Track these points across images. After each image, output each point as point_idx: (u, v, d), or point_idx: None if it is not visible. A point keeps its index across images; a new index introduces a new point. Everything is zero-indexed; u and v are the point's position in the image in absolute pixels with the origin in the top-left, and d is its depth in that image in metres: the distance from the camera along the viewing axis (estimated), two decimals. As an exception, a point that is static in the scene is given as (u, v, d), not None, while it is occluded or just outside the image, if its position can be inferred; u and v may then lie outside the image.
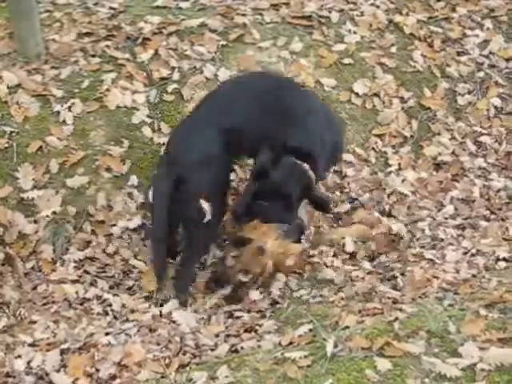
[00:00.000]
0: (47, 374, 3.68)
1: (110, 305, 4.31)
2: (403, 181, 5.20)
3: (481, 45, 6.01)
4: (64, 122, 5.02)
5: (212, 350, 3.81)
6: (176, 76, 5.32)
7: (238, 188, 5.02)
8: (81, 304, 4.34)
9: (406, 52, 5.86)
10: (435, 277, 4.16)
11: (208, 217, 4.34)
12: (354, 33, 5.79)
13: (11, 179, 4.79)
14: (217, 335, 3.96)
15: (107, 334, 3.99)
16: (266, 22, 5.73)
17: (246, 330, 3.96)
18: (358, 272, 4.40)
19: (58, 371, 3.70)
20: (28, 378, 3.65)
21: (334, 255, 4.65)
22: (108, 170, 4.94)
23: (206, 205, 4.32)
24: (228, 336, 3.94)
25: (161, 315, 4.19)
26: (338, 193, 5.16)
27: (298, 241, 4.56)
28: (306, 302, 4.15)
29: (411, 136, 5.56)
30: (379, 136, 5.52)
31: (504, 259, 4.35)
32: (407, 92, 5.67)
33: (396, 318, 3.52)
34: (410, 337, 3.37)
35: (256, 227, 4.42)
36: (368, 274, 4.40)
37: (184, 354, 3.78)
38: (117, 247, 4.69)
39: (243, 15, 5.72)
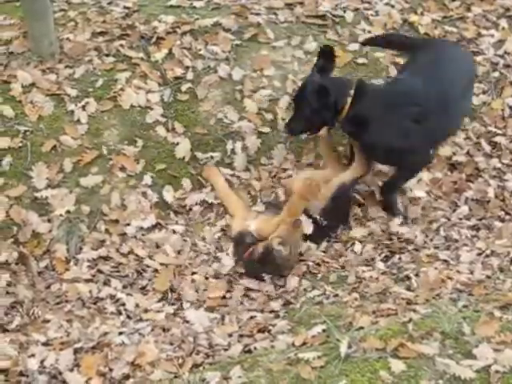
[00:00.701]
0: (60, 373, 3.69)
1: (124, 304, 4.31)
2: (418, 181, 5.18)
3: (496, 44, 5.97)
4: (78, 121, 5.03)
5: (225, 349, 3.82)
6: (190, 75, 5.32)
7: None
8: (94, 303, 4.35)
9: (421, 52, 5.83)
10: (449, 278, 4.15)
11: None
12: (369, 32, 5.76)
13: (25, 178, 4.80)
14: (230, 335, 3.96)
15: (120, 333, 3.99)
16: (281, 21, 5.72)
17: (259, 330, 3.95)
18: (372, 272, 4.39)
19: (72, 370, 3.70)
20: (41, 377, 3.66)
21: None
22: (122, 169, 4.95)
23: None
24: (241, 336, 3.94)
25: (174, 315, 4.19)
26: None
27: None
28: (319, 303, 4.14)
29: (425, 136, 5.53)
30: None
31: (519, 260, 4.35)
32: (422, 92, 5.63)
33: (410, 319, 3.52)
34: (424, 338, 3.37)
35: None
36: (382, 274, 4.39)
37: (197, 354, 3.79)
38: (130, 246, 4.69)
39: (257, 14, 5.71)
